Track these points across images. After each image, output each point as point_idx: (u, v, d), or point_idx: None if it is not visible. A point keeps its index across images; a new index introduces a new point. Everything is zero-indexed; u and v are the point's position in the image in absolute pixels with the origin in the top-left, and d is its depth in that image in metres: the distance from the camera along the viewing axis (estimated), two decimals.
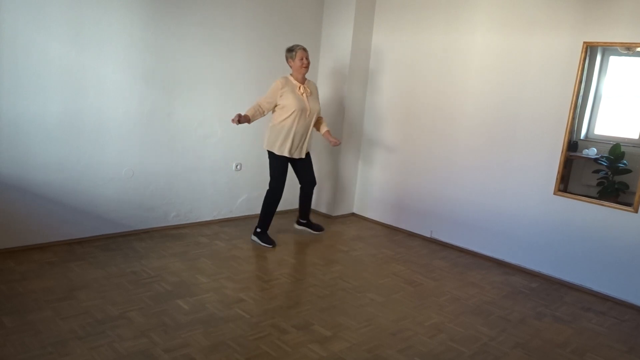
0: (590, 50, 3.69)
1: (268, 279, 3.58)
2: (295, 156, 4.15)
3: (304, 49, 4.08)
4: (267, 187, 4.21)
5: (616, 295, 3.70)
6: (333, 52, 5.10)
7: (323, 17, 5.17)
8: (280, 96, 4.00)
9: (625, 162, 3.65)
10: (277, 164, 4.14)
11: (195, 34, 4.23)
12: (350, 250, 4.34)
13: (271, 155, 4.14)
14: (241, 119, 3.81)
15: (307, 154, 4.27)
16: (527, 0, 3.97)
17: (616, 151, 3.68)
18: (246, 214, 4.99)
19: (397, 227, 5.05)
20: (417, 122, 4.77)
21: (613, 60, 3.70)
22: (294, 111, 3.99)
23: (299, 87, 4.07)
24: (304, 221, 4.60)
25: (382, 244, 4.58)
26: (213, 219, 4.74)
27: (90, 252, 3.75)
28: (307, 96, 4.08)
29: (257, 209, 5.05)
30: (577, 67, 3.72)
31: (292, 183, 5.35)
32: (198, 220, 4.63)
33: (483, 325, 3.16)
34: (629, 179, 3.62)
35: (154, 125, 4.15)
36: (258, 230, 4.27)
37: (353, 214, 5.46)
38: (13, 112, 3.45)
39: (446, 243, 4.67)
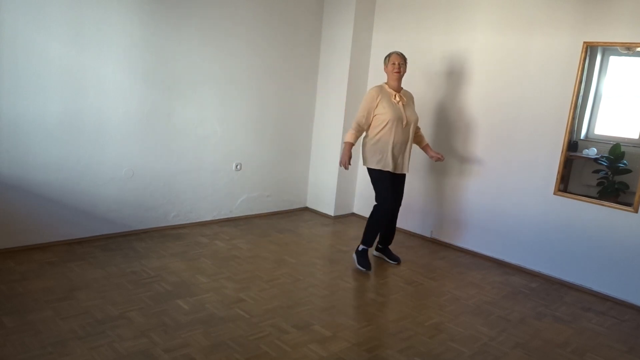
0: (590, 50, 3.69)
1: (268, 279, 3.58)
2: (398, 171, 3.82)
3: (400, 55, 3.78)
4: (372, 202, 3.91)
5: (616, 295, 3.70)
6: (333, 52, 5.10)
7: (323, 17, 5.17)
8: (376, 106, 3.71)
9: (625, 162, 3.65)
10: (383, 181, 3.77)
11: (196, 34, 4.23)
12: (350, 250, 4.34)
13: (372, 172, 3.81)
14: (350, 155, 3.65)
15: (404, 174, 3.94)
16: (527, 0, 3.97)
17: (616, 151, 3.68)
18: (246, 214, 4.99)
19: (397, 227, 5.03)
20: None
21: (613, 60, 3.70)
22: (389, 121, 3.67)
23: (394, 96, 3.76)
24: (381, 246, 4.16)
25: None
26: (213, 219, 4.74)
27: (90, 252, 3.75)
28: (403, 105, 3.76)
29: (257, 209, 5.08)
30: (577, 67, 3.72)
31: (294, 184, 5.35)
32: (198, 220, 4.63)
33: (483, 325, 3.16)
34: (629, 179, 3.62)
35: (154, 126, 4.15)
36: (360, 248, 3.93)
37: (353, 214, 5.46)
38: (13, 112, 3.45)
39: (446, 243, 4.67)
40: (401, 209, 4.97)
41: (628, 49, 3.55)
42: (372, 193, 5.23)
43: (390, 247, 4.21)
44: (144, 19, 3.91)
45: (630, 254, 3.60)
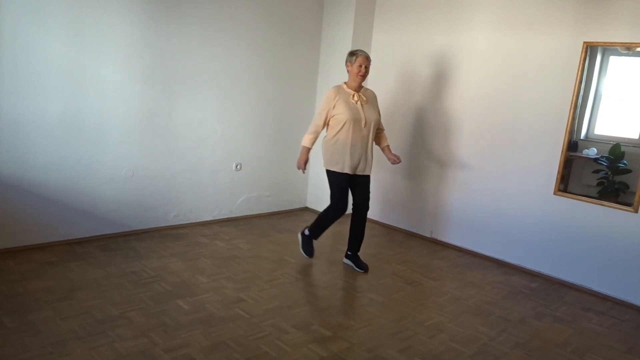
0: (590, 50, 3.69)
1: (268, 279, 3.58)
2: (359, 173, 3.72)
3: (367, 57, 3.66)
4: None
5: (616, 295, 3.70)
6: (333, 52, 5.10)
7: (323, 17, 5.17)
8: (334, 107, 3.62)
9: (625, 162, 3.65)
10: (338, 182, 3.70)
11: (196, 33, 4.23)
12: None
13: (329, 173, 3.72)
14: (307, 159, 3.68)
15: (366, 175, 3.81)
16: (527, 0, 3.97)
17: (616, 151, 3.68)
18: (246, 214, 4.99)
19: (397, 227, 5.05)
20: (417, 122, 4.77)
21: (613, 60, 3.70)
22: (346, 121, 3.58)
23: (353, 96, 3.66)
24: (350, 253, 3.97)
25: (382, 244, 4.58)
26: (213, 219, 4.74)
27: (90, 252, 3.75)
28: (362, 104, 3.66)
29: (257, 209, 5.08)
30: (577, 67, 3.72)
31: (294, 184, 5.34)
32: (198, 220, 4.63)
33: (483, 325, 3.16)
34: (629, 179, 3.62)
35: (154, 125, 4.15)
36: (306, 232, 3.99)
37: None
38: (13, 112, 3.45)
39: (446, 243, 4.67)
40: (401, 208, 5.00)
41: (628, 49, 3.55)
42: (373, 192, 5.23)
43: (390, 248, 4.21)
44: (144, 19, 3.91)
45: (630, 254, 3.60)
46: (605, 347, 3.02)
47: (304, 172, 3.77)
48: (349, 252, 3.98)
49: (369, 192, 3.83)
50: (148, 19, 3.93)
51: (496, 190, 4.27)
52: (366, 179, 3.79)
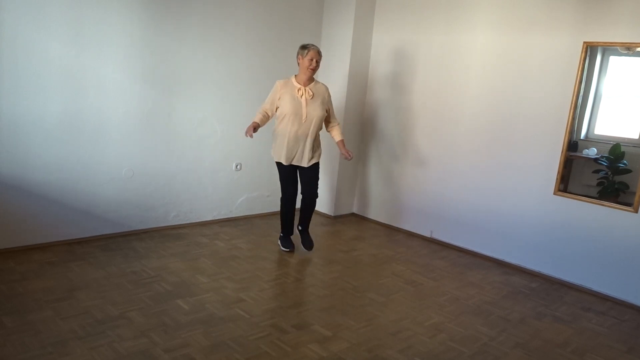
0: (590, 50, 3.69)
1: (268, 279, 3.58)
2: (295, 163, 3.91)
3: (319, 52, 3.81)
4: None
5: (616, 295, 3.70)
6: (333, 52, 5.09)
7: (323, 17, 5.17)
8: (279, 98, 3.83)
9: (625, 162, 3.65)
10: (280, 172, 4.00)
11: (196, 33, 4.23)
12: (350, 250, 4.34)
13: (275, 162, 4.02)
14: (255, 128, 3.75)
15: (314, 165, 3.96)
16: (527, 0, 3.97)
17: (616, 151, 3.68)
18: (246, 214, 4.99)
19: (397, 227, 5.05)
20: (417, 122, 4.77)
21: (613, 60, 3.70)
22: (286, 115, 3.79)
23: (298, 90, 3.81)
24: (300, 228, 4.24)
25: (382, 244, 4.58)
26: (213, 219, 4.74)
27: (90, 252, 3.75)
28: (307, 99, 3.80)
29: (257, 209, 5.08)
30: (577, 67, 3.72)
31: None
32: (198, 220, 4.63)
33: (483, 325, 3.16)
34: (629, 179, 3.62)
35: (154, 125, 4.15)
36: (281, 234, 4.22)
37: (353, 214, 5.46)
38: (13, 112, 3.45)
39: (446, 243, 4.67)
40: (401, 208, 5.00)
41: (628, 49, 3.55)
42: (372, 193, 5.26)
43: (390, 248, 4.20)
44: (144, 19, 3.91)
45: (630, 254, 3.60)
46: (605, 347, 3.02)
47: (250, 136, 3.78)
48: (299, 227, 4.23)
49: (314, 181, 4.01)
50: (148, 19, 3.93)
51: (496, 190, 4.27)
52: (310, 170, 3.95)
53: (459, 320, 3.20)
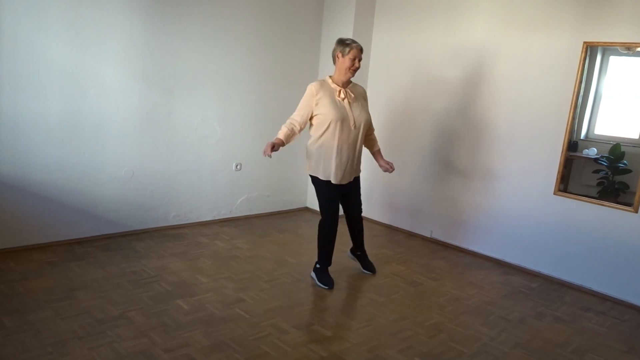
0: (590, 50, 3.69)
1: (268, 279, 3.58)
2: (345, 182, 3.35)
3: (361, 50, 3.23)
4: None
5: (616, 295, 3.70)
6: None
7: (323, 17, 5.17)
8: (316, 104, 3.21)
9: (625, 162, 3.65)
10: (325, 191, 3.35)
11: (196, 33, 4.23)
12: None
13: (315, 180, 3.36)
14: (275, 147, 3.14)
15: (357, 177, 3.49)
16: (527, 0, 3.97)
17: (616, 151, 3.68)
18: (246, 214, 4.99)
19: (397, 227, 5.04)
20: (417, 122, 4.77)
21: (613, 60, 3.70)
22: (331, 122, 3.17)
23: (339, 92, 3.24)
24: (359, 252, 3.78)
25: (382, 244, 4.58)
26: (213, 219, 4.74)
27: (90, 252, 3.75)
28: (349, 102, 3.25)
29: (257, 209, 5.08)
30: (577, 67, 3.72)
31: (294, 184, 5.34)
32: (198, 220, 4.63)
33: (483, 325, 3.16)
34: (629, 179, 3.62)
35: (154, 125, 4.15)
36: (317, 266, 3.57)
37: None
38: (13, 112, 3.45)
39: (446, 243, 4.67)
40: (401, 208, 5.00)
41: (628, 49, 3.55)
42: (373, 193, 5.26)
43: (390, 248, 4.19)
44: (144, 19, 3.91)
45: (630, 254, 3.60)
46: (605, 347, 3.02)
47: (269, 156, 3.20)
48: (357, 252, 3.81)
49: (359, 195, 3.56)
50: (148, 19, 3.93)
51: (496, 190, 4.27)
52: (355, 184, 3.49)
53: (459, 320, 3.20)
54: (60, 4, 3.50)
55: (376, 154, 3.57)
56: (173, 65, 4.15)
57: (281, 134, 3.27)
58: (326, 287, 3.49)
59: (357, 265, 3.95)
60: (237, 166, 4.81)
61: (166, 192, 4.36)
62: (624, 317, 3.45)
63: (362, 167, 3.53)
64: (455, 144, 4.52)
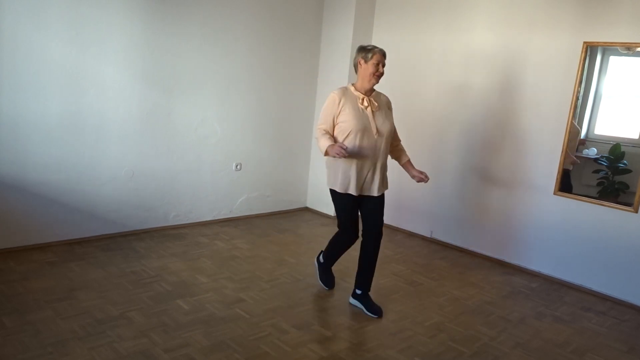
0: (590, 50, 3.69)
1: (268, 279, 3.58)
2: (365, 193, 3.11)
3: (384, 54, 3.08)
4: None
5: (616, 295, 3.70)
6: (333, 52, 5.09)
7: (323, 17, 5.17)
8: (339, 113, 3.02)
9: (625, 162, 3.65)
10: (343, 205, 3.13)
11: (196, 33, 4.23)
12: (350, 250, 4.32)
13: (333, 193, 3.13)
14: (342, 146, 2.84)
15: (382, 194, 3.18)
16: (527, 0, 3.97)
17: (616, 151, 3.68)
18: (246, 214, 4.99)
19: (397, 227, 5.04)
20: (417, 122, 4.77)
21: (613, 60, 3.69)
22: (351, 131, 2.98)
23: (362, 100, 3.05)
24: (359, 292, 3.27)
25: (382, 244, 4.55)
26: (213, 219, 4.74)
27: (90, 252, 3.75)
28: (373, 110, 3.06)
29: (257, 209, 5.08)
30: (577, 67, 3.72)
31: (294, 184, 5.34)
32: (198, 220, 4.63)
33: (483, 325, 3.16)
34: (629, 179, 3.62)
35: (154, 125, 4.15)
36: (321, 259, 3.49)
37: None
38: (13, 112, 3.45)
39: (446, 243, 4.67)
40: (402, 208, 4.99)
41: (628, 49, 3.55)
42: None
43: (390, 248, 4.19)
44: (144, 19, 3.91)
45: (630, 253, 3.60)
46: (605, 347, 3.02)
47: (346, 154, 2.85)
48: (357, 291, 3.28)
49: (381, 217, 3.21)
50: (148, 19, 3.93)
51: (496, 190, 4.27)
52: (378, 200, 3.15)
53: (459, 320, 3.20)
54: (60, 4, 3.50)
55: (407, 164, 3.32)
56: (173, 65, 4.15)
57: (327, 141, 2.95)
58: (326, 288, 3.48)
59: (356, 265, 3.94)
60: (237, 166, 4.81)
61: (166, 192, 4.36)
62: (624, 317, 3.45)
63: None
64: (454, 144, 4.51)
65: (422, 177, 3.20)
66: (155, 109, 4.13)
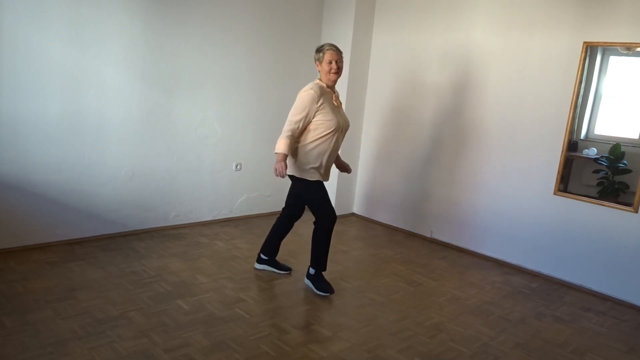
0: (590, 50, 3.69)
1: (268, 279, 3.58)
2: (326, 180, 3.34)
3: (335, 50, 3.14)
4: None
5: (616, 295, 3.70)
6: None
7: (323, 17, 5.17)
8: (317, 111, 3.10)
9: (625, 162, 3.65)
10: (319, 191, 3.28)
11: (196, 33, 4.23)
12: (350, 250, 4.34)
13: (307, 185, 3.24)
14: (286, 164, 3.07)
15: None
16: (527, 0, 3.97)
17: (616, 151, 3.68)
18: (246, 214, 4.99)
19: (397, 227, 5.04)
20: (417, 122, 4.77)
21: (613, 60, 3.70)
22: (334, 130, 3.12)
23: (332, 97, 3.18)
24: (314, 271, 3.41)
25: (382, 244, 4.58)
26: (213, 219, 4.74)
27: (90, 252, 3.75)
28: (338, 107, 3.23)
29: (257, 209, 5.08)
30: (577, 67, 3.72)
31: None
32: (198, 220, 4.63)
33: (483, 325, 3.16)
34: (629, 179, 3.62)
35: (154, 125, 4.15)
36: (311, 272, 3.43)
37: (353, 214, 5.46)
38: (13, 112, 3.45)
39: (446, 243, 4.67)
40: (401, 208, 5.00)
41: (628, 49, 3.55)
42: (373, 192, 5.26)
43: (390, 248, 4.18)
44: (144, 19, 3.91)
45: (630, 253, 3.60)
46: (605, 347, 3.02)
47: (284, 177, 3.17)
48: (311, 270, 3.38)
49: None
50: (148, 19, 3.93)
51: (496, 190, 4.27)
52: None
53: (459, 320, 3.20)
54: (60, 4, 3.50)
55: (337, 157, 3.56)
56: (173, 65, 4.15)
57: (284, 149, 3.08)
58: (327, 294, 3.37)
59: (356, 265, 3.95)
60: (237, 166, 4.81)
61: (166, 192, 4.36)
62: (624, 317, 3.45)
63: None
64: (455, 144, 4.51)
65: (346, 168, 3.56)
66: (155, 109, 4.13)
